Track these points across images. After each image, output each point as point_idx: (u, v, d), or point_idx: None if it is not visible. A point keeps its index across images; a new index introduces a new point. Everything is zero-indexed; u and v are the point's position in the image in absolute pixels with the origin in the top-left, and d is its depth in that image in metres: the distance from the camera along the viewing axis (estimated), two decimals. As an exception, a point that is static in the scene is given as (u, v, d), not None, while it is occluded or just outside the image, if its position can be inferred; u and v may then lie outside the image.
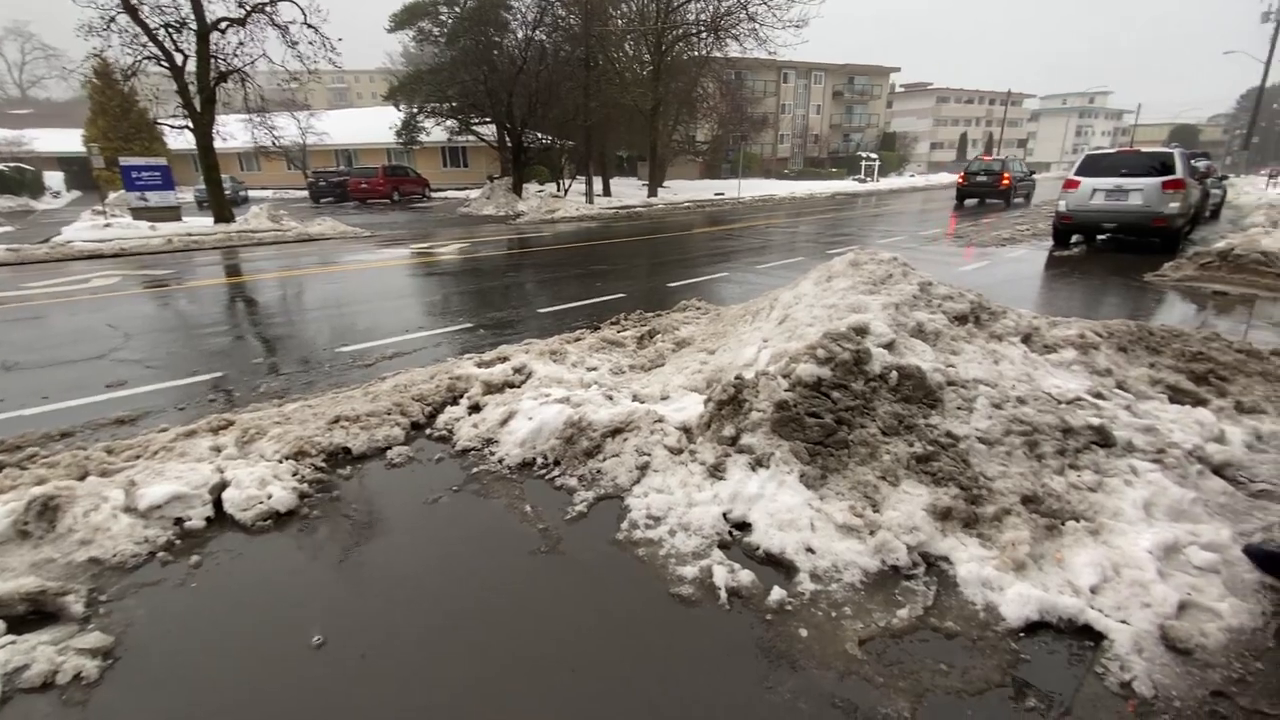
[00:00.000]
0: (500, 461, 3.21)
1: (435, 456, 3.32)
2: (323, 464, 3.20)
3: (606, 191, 30.89)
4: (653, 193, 31.09)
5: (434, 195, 30.50)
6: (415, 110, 28.56)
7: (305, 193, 29.35)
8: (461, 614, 2.18)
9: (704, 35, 28.07)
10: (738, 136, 46.94)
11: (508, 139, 25.15)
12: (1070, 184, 10.48)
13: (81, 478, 2.89)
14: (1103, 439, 2.90)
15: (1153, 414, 3.31)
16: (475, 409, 3.74)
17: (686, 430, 3.25)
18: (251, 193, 31.03)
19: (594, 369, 4.40)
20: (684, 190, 35.81)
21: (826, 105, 55.79)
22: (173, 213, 17.46)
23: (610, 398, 3.64)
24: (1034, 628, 2.06)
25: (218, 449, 3.20)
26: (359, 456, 3.31)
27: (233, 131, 20.68)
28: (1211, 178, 15.53)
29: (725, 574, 2.28)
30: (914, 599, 2.19)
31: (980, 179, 22.44)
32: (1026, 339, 3.86)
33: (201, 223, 16.84)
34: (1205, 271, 7.80)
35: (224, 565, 2.48)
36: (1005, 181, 21.77)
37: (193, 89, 16.31)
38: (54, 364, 5.03)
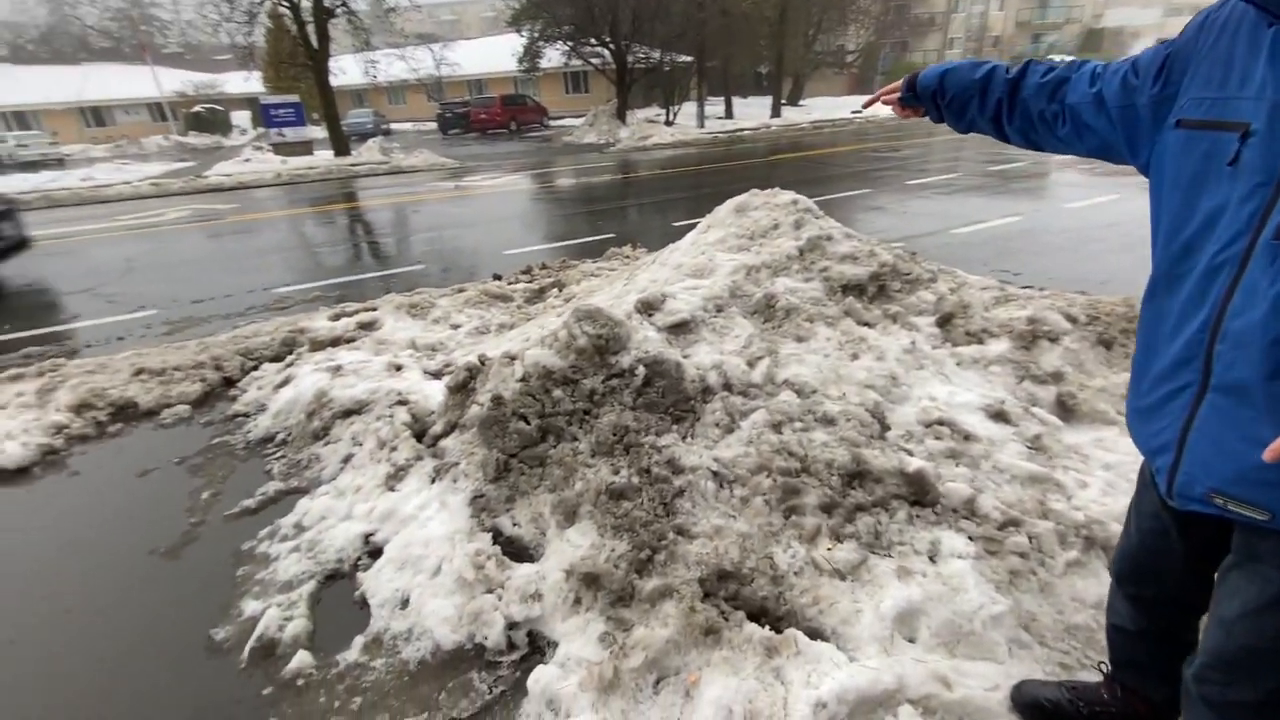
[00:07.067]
0: (248, 433, 2.94)
1: (204, 420, 3.13)
2: (107, 417, 3.16)
3: (729, 113, 28.72)
4: (776, 113, 28.39)
5: (553, 123, 30.44)
6: (535, 35, 28.16)
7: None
8: (45, 599, 1.96)
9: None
10: (895, 43, 41.15)
11: (612, 60, 24.01)
12: None
13: (-112, 416, 3.09)
14: (918, 492, 1.91)
15: (1080, 452, 2.16)
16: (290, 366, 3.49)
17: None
18: (395, 125, 33.19)
19: (458, 325, 3.93)
20: (821, 108, 32.29)
21: (1014, -2, 46.31)
22: (305, 147, 19.11)
23: (400, 367, 3.18)
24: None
25: (22, 394, 3.27)
26: (146, 412, 3.21)
27: (380, 66, 21.76)
28: None
29: (275, 621, 1.82)
30: (454, 703, 1.58)
31: None
32: (946, 321, 2.72)
33: (325, 157, 18.21)
34: None
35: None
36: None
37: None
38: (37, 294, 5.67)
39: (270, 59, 29.63)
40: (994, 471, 2.03)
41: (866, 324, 2.67)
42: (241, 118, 34.32)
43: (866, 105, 1.48)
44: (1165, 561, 1.04)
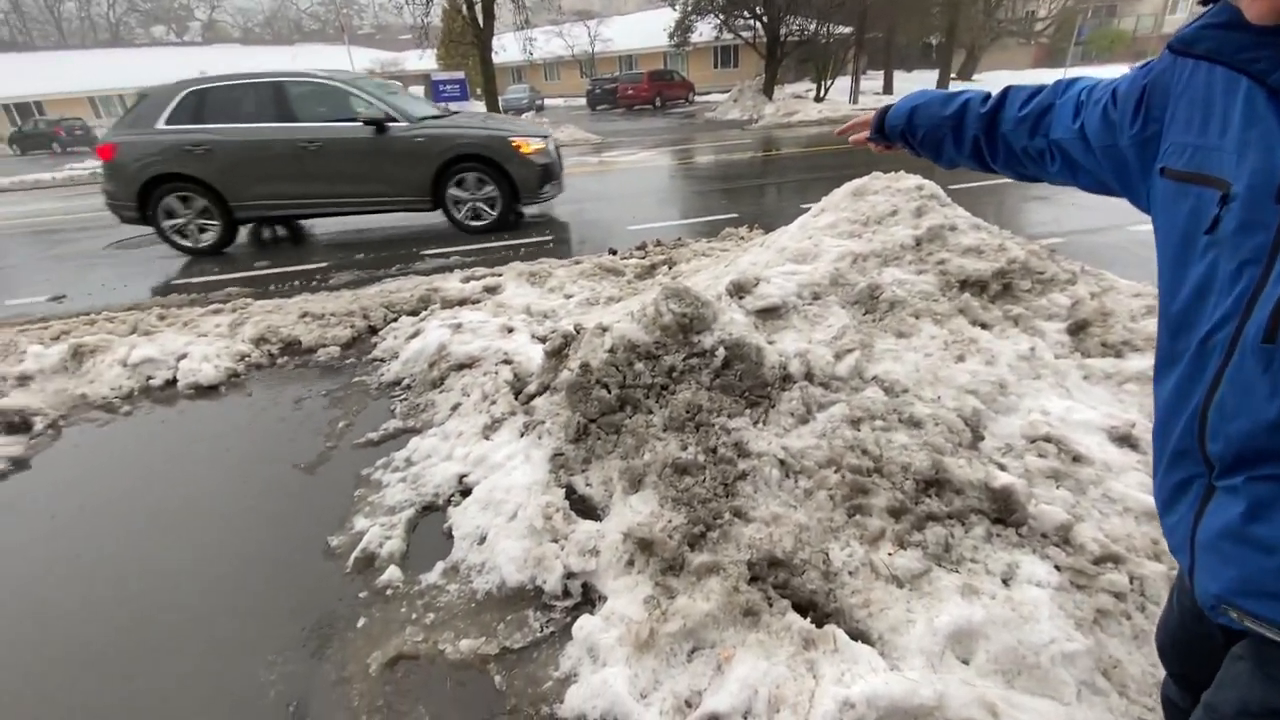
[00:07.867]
0: (381, 376, 3.34)
1: (349, 361, 3.60)
2: (277, 350, 3.75)
3: (888, 88, 26.75)
4: (943, 87, 25.92)
5: (698, 99, 30.18)
6: (688, 9, 27.91)
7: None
8: (181, 499, 2.45)
9: None
10: (1101, 7, 35.98)
11: (763, 32, 23.17)
12: None
13: (130, 333, 3.90)
14: (1002, 510, 1.75)
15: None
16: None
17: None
18: (548, 101, 34.68)
19: (570, 295, 4.14)
20: (998, 84, 28.96)
21: (1273, -54, 37.86)
22: (466, 120, 20.70)
23: (512, 329, 3.43)
24: (592, 730, 1.48)
25: (219, 325, 3.97)
26: (308, 349, 3.76)
27: (538, 44, 22.94)
28: None
29: (377, 538, 2.10)
30: (510, 634, 1.75)
31: None
32: (1080, 329, 2.43)
33: (482, 129, 19.52)
34: None
35: (142, 417, 3.16)
36: None
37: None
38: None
39: (444, 38, 32.20)
40: (1103, 500, 1.81)
41: (982, 324, 2.45)
42: (417, 92, 37.74)
43: (839, 134, 1.34)
44: (1205, 645, 0.87)
